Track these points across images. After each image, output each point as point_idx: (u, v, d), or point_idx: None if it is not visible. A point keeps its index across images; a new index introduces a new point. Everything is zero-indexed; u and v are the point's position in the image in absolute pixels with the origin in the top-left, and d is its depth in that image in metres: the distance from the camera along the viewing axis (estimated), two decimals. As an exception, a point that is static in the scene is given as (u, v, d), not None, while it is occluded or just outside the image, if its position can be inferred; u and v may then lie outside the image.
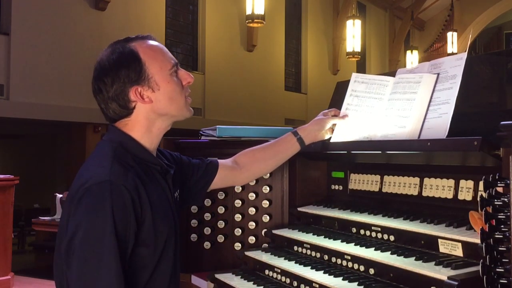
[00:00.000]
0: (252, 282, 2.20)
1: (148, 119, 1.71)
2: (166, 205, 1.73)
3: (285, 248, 2.37)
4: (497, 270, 1.37)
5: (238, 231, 2.60)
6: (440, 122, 1.82)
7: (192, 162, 2.10)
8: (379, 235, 2.02)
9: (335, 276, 1.92)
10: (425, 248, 1.82)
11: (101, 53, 1.72)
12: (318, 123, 2.23)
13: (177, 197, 1.88)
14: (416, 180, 2.06)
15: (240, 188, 2.62)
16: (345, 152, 2.26)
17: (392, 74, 2.18)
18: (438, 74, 1.94)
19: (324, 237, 2.17)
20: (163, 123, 1.76)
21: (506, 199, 1.37)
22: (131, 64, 1.66)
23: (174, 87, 1.72)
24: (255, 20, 10.23)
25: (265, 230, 2.55)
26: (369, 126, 2.13)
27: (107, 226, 1.51)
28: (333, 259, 2.06)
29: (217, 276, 2.33)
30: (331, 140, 2.22)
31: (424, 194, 2.02)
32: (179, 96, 1.74)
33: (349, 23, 14.17)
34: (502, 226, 1.37)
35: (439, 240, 1.75)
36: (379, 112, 2.14)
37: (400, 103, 2.05)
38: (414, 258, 1.74)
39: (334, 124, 2.25)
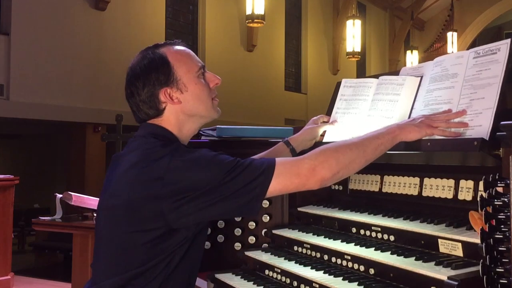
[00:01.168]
0: (252, 282, 2.20)
1: (178, 120, 1.80)
2: None
3: (285, 248, 2.37)
4: (497, 270, 1.37)
5: (238, 231, 2.60)
6: (440, 122, 1.82)
7: None
8: (379, 235, 2.02)
9: (335, 276, 1.92)
10: (425, 248, 1.81)
11: (133, 59, 1.83)
12: (309, 132, 2.26)
13: None
14: (416, 180, 2.06)
15: (240, 188, 2.62)
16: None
17: (396, 73, 2.20)
18: (439, 70, 1.95)
19: (324, 237, 2.17)
20: (193, 124, 1.86)
21: (506, 199, 1.37)
22: (160, 67, 1.77)
23: (201, 88, 1.83)
24: (255, 20, 10.24)
25: (265, 230, 2.55)
26: (355, 127, 2.18)
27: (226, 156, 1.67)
28: (333, 259, 2.06)
29: (217, 276, 2.33)
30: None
31: (424, 194, 2.02)
32: (206, 97, 1.84)
33: (349, 23, 14.19)
34: (502, 226, 1.37)
35: (439, 240, 1.75)
36: (363, 113, 2.20)
37: (382, 104, 2.10)
38: (414, 258, 1.74)
39: (325, 131, 2.29)
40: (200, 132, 2.75)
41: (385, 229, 1.99)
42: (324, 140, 2.27)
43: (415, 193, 2.06)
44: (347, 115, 2.28)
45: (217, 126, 2.66)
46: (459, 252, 1.69)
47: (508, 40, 1.72)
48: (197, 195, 1.60)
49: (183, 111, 1.80)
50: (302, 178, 1.66)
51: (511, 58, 1.70)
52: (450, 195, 1.90)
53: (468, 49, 2.06)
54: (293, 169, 1.66)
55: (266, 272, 2.26)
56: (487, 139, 1.58)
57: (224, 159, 1.66)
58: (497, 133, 1.44)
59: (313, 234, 2.26)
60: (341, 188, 2.48)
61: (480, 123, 1.65)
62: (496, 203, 1.39)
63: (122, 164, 1.74)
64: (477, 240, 1.42)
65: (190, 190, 1.60)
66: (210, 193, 1.60)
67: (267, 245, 2.54)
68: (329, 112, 2.46)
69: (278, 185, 1.65)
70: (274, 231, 2.46)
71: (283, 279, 2.14)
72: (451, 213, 1.88)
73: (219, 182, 1.60)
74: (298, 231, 2.37)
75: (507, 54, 1.70)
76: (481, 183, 1.57)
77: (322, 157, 1.68)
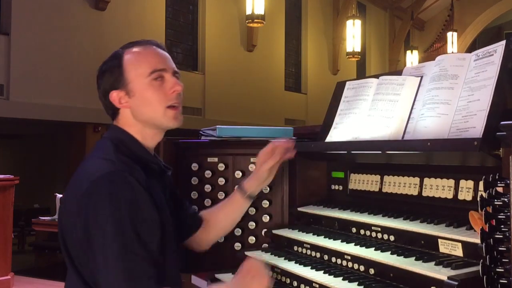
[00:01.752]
0: (252, 282, 2.20)
1: (132, 124, 1.76)
2: (164, 204, 1.75)
3: (285, 248, 2.37)
4: (497, 270, 1.37)
5: (238, 231, 2.60)
6: (439, 122, 1.82)
7: (181, 203, 2.08)
8: (379, 235, 2.02)
9: (335, 276, 1.92)
10: (425, 248, 1.81)
11: None
12: (257, 178, 2.18)
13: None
14: (416, 180, 2.06)
15: (240, 188, 2.62)
16: (345, 152, 2.27)
17: (398, 73, 2.20)
18: (439, 71, 1.95)
19: (324, 237, 2.17)
20: (150, 131, 1.77)
21: (506, 199, 1.37)
22: (113, 69, 1.74)
23: (151, 94, 1.72)
24: (255, 20, 10.25)
25: (265, 230, 2.55)
26: (356, 127, 2.18)
27: (131, 213, 1.52)
28: (333, 259, 2.06)
29: (217, 276, 2.33)
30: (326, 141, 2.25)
31: (424, 194, 2.02)
32: (156, 104, 1.73)
33: (349, 23, 14.19)
34: (502, 226, 1.37)
35: (439, 240, 1.75)
36: (364, 113, 2.20)
37: (382, 104, 2.10)
38: (414, 258, 1.74)
39: (275, 162, 2.17)
40: (200, 132, 2.75)
41: (385, 229, 2.00)
42: (327, 141, 2.25)
43: (415, 193, 2.06)
44: (348, 116, 2.28)
45: (217, 126, 2.66)
46: (459, 252, 1.69)
47: (503, 42, 1.73)
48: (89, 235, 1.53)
49: (134, 116, 1.74)
50: None
51: (507, 58, 1.70)
52: (450, 195, 1.90)
53: (468, 49, 2.06)
54: None
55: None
56: (479, 140, 1.59)
57: (127, 231, 1.51)
58: (497, 133, 1.44)
59: (313, 234, 2.26)
60: (341, 188, 2.48)
61: (474, 125, 1.67)
62: (496, 203, 1.39)
63: (78, 169, 1.71)
64: (477, 240, 1.42)
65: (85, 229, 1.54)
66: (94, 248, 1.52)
67: (267, 245, 2.54)
68: (329, 112, 2.46)
69: None
70: (274, 231, 2.46)
71: (283, 279, 2.14)
72: (451, 213, 1.88)
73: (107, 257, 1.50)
74: (298, 231, 2.37)
75: (501, 55, 1.70)
76: (481, 183, 1.57)
77: None
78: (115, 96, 1.73)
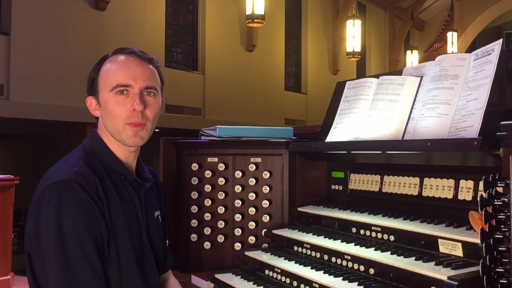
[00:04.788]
0: (252, 282, 2.20)
1: (105, 131, 1.76)
2: (132, 217, 1.71)
3: (285, 248, 2.37)
4: (497, 270, 1.37)
5: (238, 231, 2.60)
6: (439, 122, 1.82)
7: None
8: (379, 235, 2.02)
9: (335, 276, 1.92)
10: (425, 248, 1.82)
11: None
12: None
13: (158, 217, 1.86)
14: (416, 180, 2.06)
15: (240, 188, 2.62)
16: (345, 152, 2.27)
17: (398, 73, 2.20)
18: (439, 71, 1.95)
19: (324, 237, 2.17)
20: (117, 143, 1.74)
21: (506, 199, 1.37)
22: (92, 74, 1.76)
23: (111, 107, 1.70)
24: (255, 20, 10.24)
25: (265, 230, 2.55)
26: (356, 127, 2.18)
27: (74, 225, 1.54)
28: (333, 259, 2.06)
29: (217, 276, 2.33)
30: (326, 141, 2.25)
31: (424, 194, 2.02)
32: (116, 118, 1.70)
33: (349, 23, 14.18)
34: (502, 226, 1.37)
35: (439, 240, 1.75)
36: (364, 112, 2.20)
37: (382, 104, 2.10)
38: (414, 258, 1.74)
39: None
40: (200, 132, 2.75)
41: (385, 229, 2.00)
42: (327, 141, 2.25)
43: (415, 193, 2.06)
44: (348, 115, 2.28)
45: (217, 126, 2.66)
46: (459, 252, 1.69)
47: (500, 41, 1.74)
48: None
49: (104, 124, 1.75)
50: None
51: (503, 57, 1.71)
52: (450, 195, 1.90)
53: (468, 49, 2.07)
54: None
55: (266, 272, 2.26)
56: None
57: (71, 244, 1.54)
58: (497, 133, 1.45)
59: (313, 234, 2.26)
60: (341, 188, 2.48)
61: (471, 124, 1.67)
62: (496, 203, 1.39)
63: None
64: (477, 240, 1.42)
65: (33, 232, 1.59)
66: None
67: (267, 245, 2.54)
68: (328, 112, 2.46)
69: None
70: (274, 231, 2.46)
71: (283, 279, 2.14)
72: (451, 213, 1.88)
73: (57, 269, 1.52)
74: (298, 231, 2.37)
75: (498, 54, 1.71)
76: (481, 183, 1.57)
77: None
78: (90, 102, 1.77)
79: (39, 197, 1.60)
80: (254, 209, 2.60)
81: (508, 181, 1.37)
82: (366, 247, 1.94)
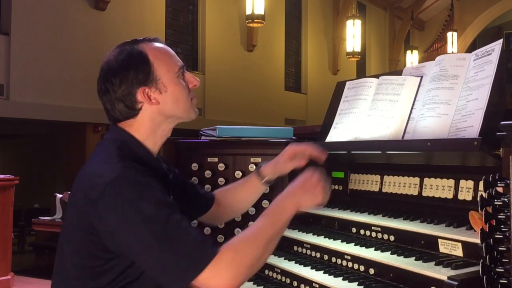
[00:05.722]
0: (252, 282, 2.20)
1: (153, 121, 1.71)
2: None
3: (285, 248, 2.37)
4: (497, 270, 1.37)
5: (238, 231, 2.60)
6: (439, 122, 1.82)
7: (189, 185, 2.08)
8: (379, 235, 2.02)
9: (335, 276, 1.92)
10: (425, 248, 1.82)
11: (108, 53, 1.73)
12: (276, 168, 2.12)
13: None
14: (416, 180, 2.06)
15: (240, 188, 2.62)
16: (345, 152, 2.27)
17: (398, 73, 2.20)
18: (439, 71, 1.95)
19: (324, 237, 2.17)
20: (168, 125, 1.77)
21: (506, 199, 1.37)
22: (140, 65, 1.67)
23: (181, 89, 1.73)
24: (255, 20, 10.25)
25: (265, 230, 2.55)
26: (356, 127, 2.18)
27: (155, 198, 1.51)
28: (333, 259, 2.06)
29: (217, 276, 2.33)
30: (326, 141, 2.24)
31: (424, 194, 2.02)
32: (185, 98, 1.74)
33: (349, 23, 14.18)
34: (502, 226, 1.37)
35: (439, 240, 1.75)
36: (364, 113, 2.20)
37: (382, 104, 2.10)
38: (414, 258, 1.74)
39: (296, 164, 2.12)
40: (200, 132, 2.75)
41: (385, 229, 2.00)
42: (327, 141, 2.24)
43: (415, 193, 2.06)
44: (348, 115, 2.28)
45: (217, 126, 2.67)
46: (459, 252, 1.69)
47: (500, 41, 1.74)
48: (123, 237, 1.51)
49: (160, 112, 1.71)
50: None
51: (503, 57, 1.71)
52: (450, 195, 1.90)
53: (468, 49, 2.07)
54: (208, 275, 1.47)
55: (266, 272, 2.26)
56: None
57: (160, 216, 1.50)
58: (497, 133, 1.45)
59: (313, 234, 2.26)
60: (341, 188, 2.48)
61: (472, 124, 1.67)
62: (496, 203, 1.39)
63: (81, 172, 1.67)
64: (477, 240, 1.42)
65: (116, 230, 1.51)
66: (134, 245, 1.50)
67: (267, 245, 2.53)
68: (328, 112, 2.46)
69: (191, 281, 1.48)
70: (274, 231, 2.46)
71: (283, 279, 2.14)
72: (451, 213, 1.88)
73: (147, 242, 1.47)
74: (298, 231, 2.37)
75: (498, 54, 1.71)
76: (481, 183, 1.57)
77: (232, 273, 1.49)
78: (144, 93, 1.67)
79: (91, 200, 1.52)
80: (254, 209, 2.60)
81: (508, 181, 1.37)
82: (366, 247, 1.94)
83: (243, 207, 2.22)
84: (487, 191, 1.41)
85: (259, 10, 10.14)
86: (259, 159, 2.60)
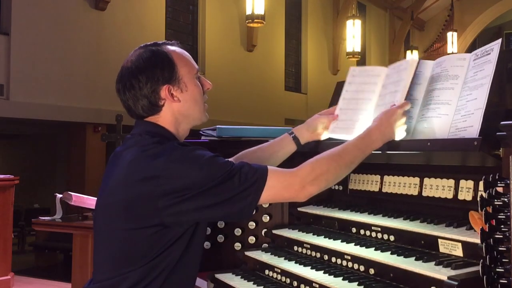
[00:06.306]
0: (252, 282, 2.20)
1: (175, 119, 1.82)
2: None
3: (285, 248, 2.37)
4: (497, 270, 1.37)
5: (238, 231, 2.60)
6: (439, 122, 1.82)
7: None
8: (379, 235, 2.02)
9: (335, 276, 1.92)
10: (425, 248, 1.82)
11: (131, 54, 1.83)
12: (310, 124, 2.24)
13: None
14: (416, 180, 2.06)
15: (240, 188, 2.62)
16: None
17: None
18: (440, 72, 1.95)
19: (324, 237, 2.17)
20: (186, 126, 1.88)
21: (506, 199, 1.37)
22: (165, 64, 1.78)
23: (198, 90, 1.86)
24: (255, 20, 10.24)
25: (265, 230, 2.55)
26: (356, 126, 2.14)
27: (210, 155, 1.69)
28: (333, 259, 2.06)
29: (217, 276, 2.33)
30: (327, 136, 2.22)
31: (424, 194, 2.02)
32: (200, 100, 1.87)
33: (349, 23, 14.19)
34: (502, 226, 1.37)
35: (439, 240, 1.75)
36: (363, 112, 2.13)
37: (389, 97, 2.06)
38: (414, 258, 1.74)
39: (329, 123, 2.22)
40: (200, 132, 2.75)
41: (385, 229, 2.00)
42: (329, 134, 2.22)
43: (415, 193, 2.06)
44: (353, 106, 2.20)
45: (217, 126, 2.66)
46: (459, 252, 1.69)
47: (499, 40, 1.74)
48: (193, 195, 1.62)
49: (179, 110, 1.82)
50: (292, 193, 1.74)
51: (502, 56, 1.71)
52: (450, 195, 1.90)
53: (468, 49, 2.07)
54: (284, 183, 1.72)
55: (266, 272, 2.26)
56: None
57: (220, 161, 1.69)
58: (497, 133, 1.45)
59: (313, 234, 2.26)
60: (341, 188, 2.48)
61: (471, 124, 1.67)
62: (496, 203, 1.39)
63: (119, 162, 1.76)
64: (477, 240, 1.42)
65: (186, 190, 1.62)
66: (204, 195, 1.63)
67: (267, 245, 2.54)
68: (329, 112, 2.45)
69: (268, 196, 1.71)
70: (274, 231, 2.46)
71: (283, 279, 2.14)
72: (451, 213, 1.88)
73: (214, 184, 1.63)
74: (298, 231, 2.37)
75: (497, 53, 1.71)
76: (481, 183, 1.57)
77: (313, 175, 1.74)
78: (168, 90, 1.78)
79: (157, 165, 1.64)
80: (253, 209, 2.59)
81: (508, 181, 1.37)
82: (366, 247, 1.94)
83: (270, 163, 2.24)
84: (487, 191, 1.41)
85: (259, 10, 10.14)
86: (259, 159, 2.60)
